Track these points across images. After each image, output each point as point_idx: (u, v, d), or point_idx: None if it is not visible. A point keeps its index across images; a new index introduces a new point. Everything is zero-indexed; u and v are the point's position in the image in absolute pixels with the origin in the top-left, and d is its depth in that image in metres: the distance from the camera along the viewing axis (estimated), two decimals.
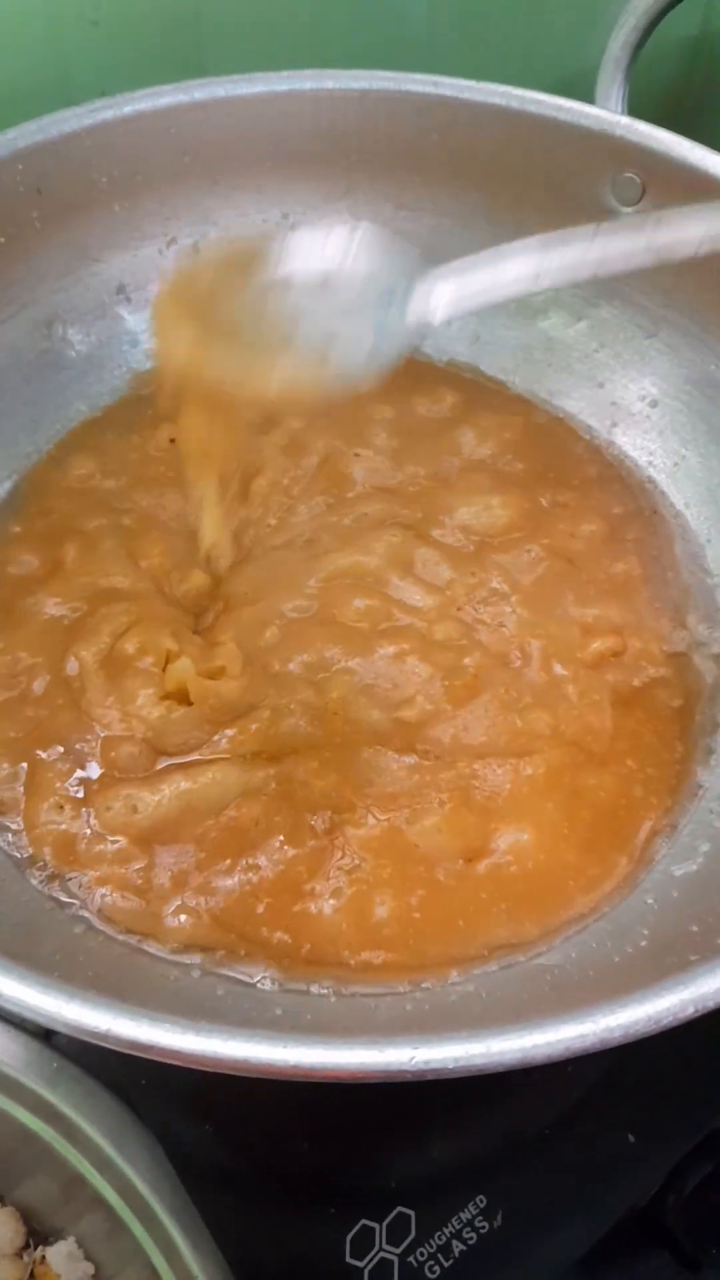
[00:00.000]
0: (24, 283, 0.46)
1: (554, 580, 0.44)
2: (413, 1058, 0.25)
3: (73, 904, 0.36)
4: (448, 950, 0.35)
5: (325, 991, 0.34)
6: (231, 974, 0.35)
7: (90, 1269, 0.36)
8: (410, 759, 0.38)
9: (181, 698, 0.39)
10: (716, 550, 0.46)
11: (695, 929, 0.33)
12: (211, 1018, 0.26)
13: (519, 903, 0.36)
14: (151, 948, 0.35)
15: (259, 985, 0.34)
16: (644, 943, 0.34)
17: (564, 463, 0.49)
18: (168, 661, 0.39)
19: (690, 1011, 0.26)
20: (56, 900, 0.36)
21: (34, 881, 0.36)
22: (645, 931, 0.35)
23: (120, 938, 0.35)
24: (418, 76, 0.47)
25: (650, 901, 0.36)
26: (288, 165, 0.49)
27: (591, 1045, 0.25)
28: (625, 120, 0.45)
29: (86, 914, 0.35)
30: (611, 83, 0.46)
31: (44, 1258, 0.36)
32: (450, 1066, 0.25)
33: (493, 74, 0.47)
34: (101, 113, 0.44)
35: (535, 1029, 0.25)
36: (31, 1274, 0.37)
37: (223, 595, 0.43)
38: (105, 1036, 0.25)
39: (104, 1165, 0.35)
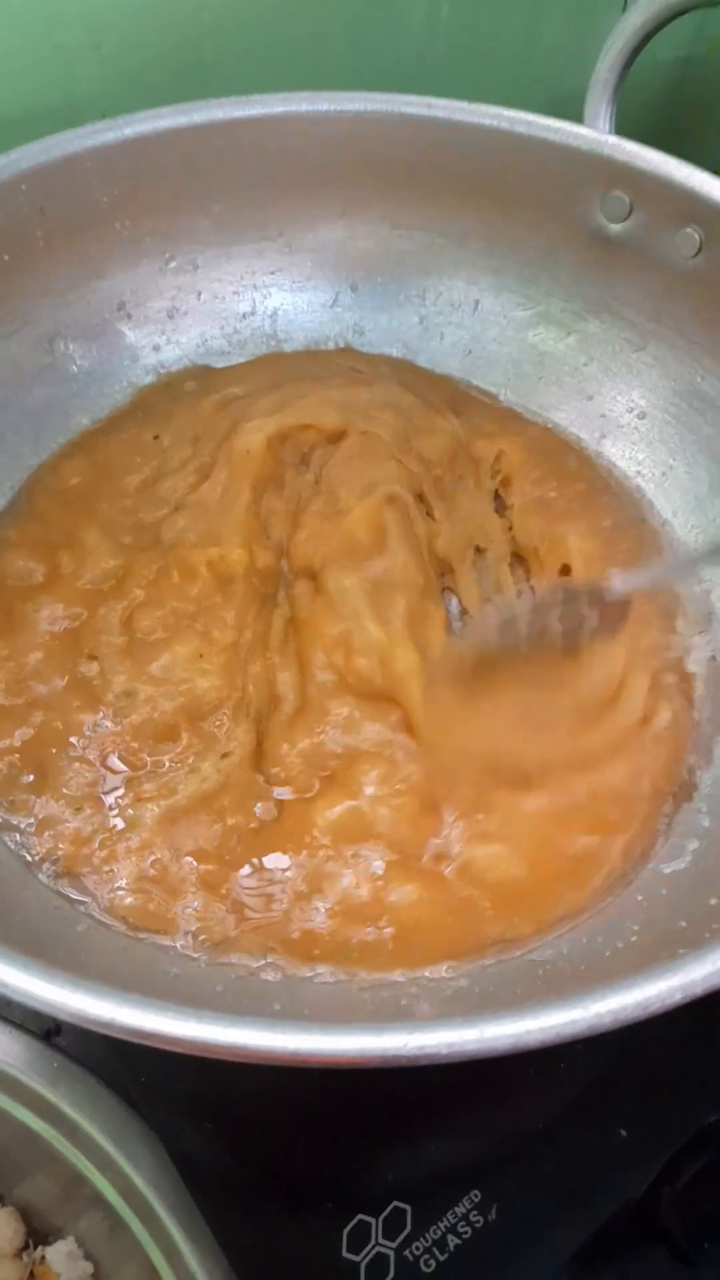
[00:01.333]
0: (28, 300, 0.46)
1: None
2: (407, 1043, 0.25)
3: (84, 902, 0.36)
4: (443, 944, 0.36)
5: (329, 980, 0.35)
6: (235, 963, 0.36)
7: (90, 1268, 0.37)
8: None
9: None
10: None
11: (684, 924, 0.34)
12: (214, 1007, 0.26)
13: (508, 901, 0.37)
14: (163, 940, 0.36)
15: (263, 976, 0.35)
16: (634, 938, 0.35)
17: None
18: None
19: (678, 998, 0.27)
20: (65, 898, 0.36)
21: (42, 879, 0.37)
22: (635, 928, 0.35)
23: (127, 933, 0.36)
24: (411, 98, 0.48)
25: (640, 899, 0.37)
26: (285, 186, 0.50)
27: (582, 1031, 0.26)
28: (613, 140, 0.46)
29: (95, 913, 0.36)
30: (600, 103, 0.48)
31: (44, 1257, 0.37)
32: (444, 1052, 0.25)
33: (489, 95, 0.48)
34: (103, 135, 0.45)
35: (528, 1015, 0.26)
36: (31, 1273, 0.37)
37: None
38: (110, 1025, 0.26)
39: (104, 1164, 0.36)
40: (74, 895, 0.37)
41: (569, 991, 0.27)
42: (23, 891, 0.36)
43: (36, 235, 0.45)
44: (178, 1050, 0.26)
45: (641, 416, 0.50)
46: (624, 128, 0.48)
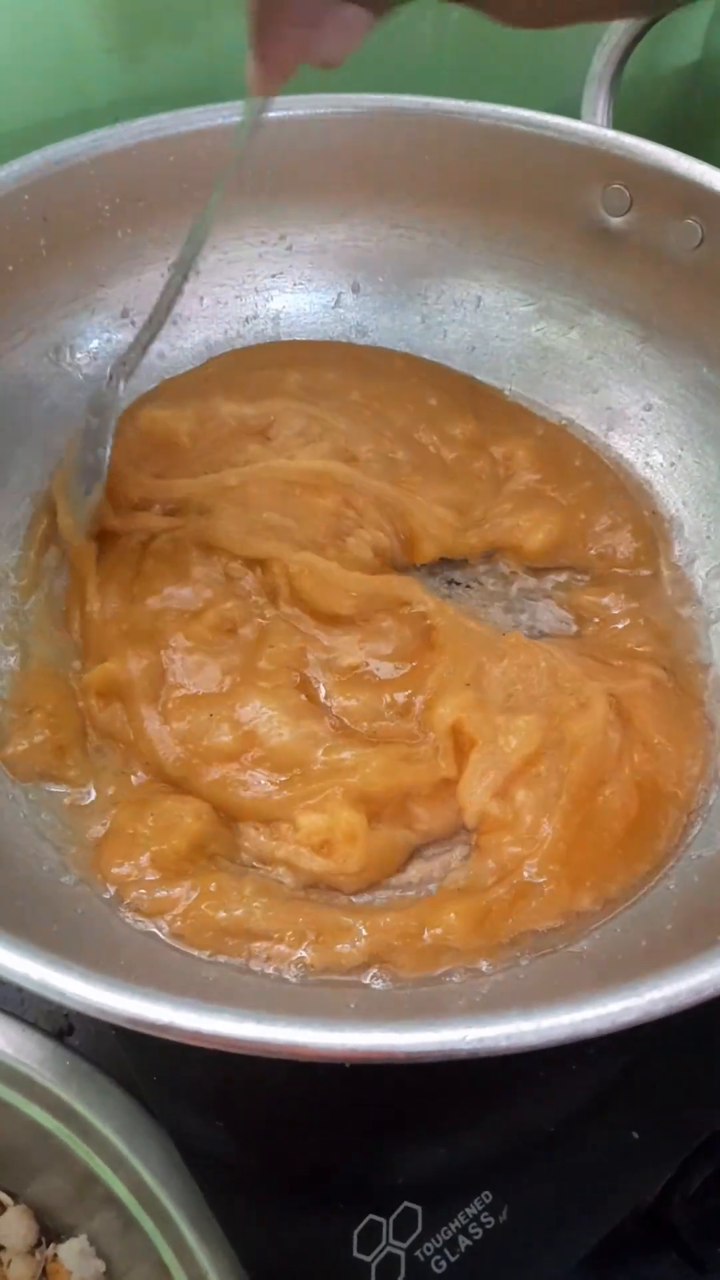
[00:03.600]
0: (32, 309, 0.47)
1: None
2: (466, 1036, 0.25)
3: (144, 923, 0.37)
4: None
5: (381, 985, 0.35)
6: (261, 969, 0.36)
7: (102, 1266, 0.37)
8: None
9: None
10: (717, 545, 0.47)
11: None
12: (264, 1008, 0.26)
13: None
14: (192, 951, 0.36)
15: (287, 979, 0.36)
16: (669, 926, 0.35)
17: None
18: None
19: None
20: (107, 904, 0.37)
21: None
22: (669, 916, 0.36)
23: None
24: (409, 98, 0.48)
25: (672, 887, 0.37)
26: (285, 189, 0.50)
27: (636, 1019, 0.26)
28: (611, 133, 0.46)
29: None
30: (597, 98, 0.47)
31: (56, 1255, 0.37)
32: (504, 1044, 0.25)
33: (496, 96, 0.48)
34: (104, 142, 0.46)
35: (584, 1005, 0.26)
36: (44, 1271, 0.37)
37: None
38: (168, 1029, 0.26)
39: (116, 1162, 0.36)
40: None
41: (614, 982, 0.27)
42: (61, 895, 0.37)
43: (40, 245, 0.46)
44: (237, 1051, 0.26)
45: (648, 408, 0.50)
46: (634, 132, 0.47)
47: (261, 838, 0.38)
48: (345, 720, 0.41)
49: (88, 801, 0.40)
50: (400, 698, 0.41)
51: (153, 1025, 0.25)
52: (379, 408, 0.49)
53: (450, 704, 0.40)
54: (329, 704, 0.41)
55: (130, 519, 0.45)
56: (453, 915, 0.36)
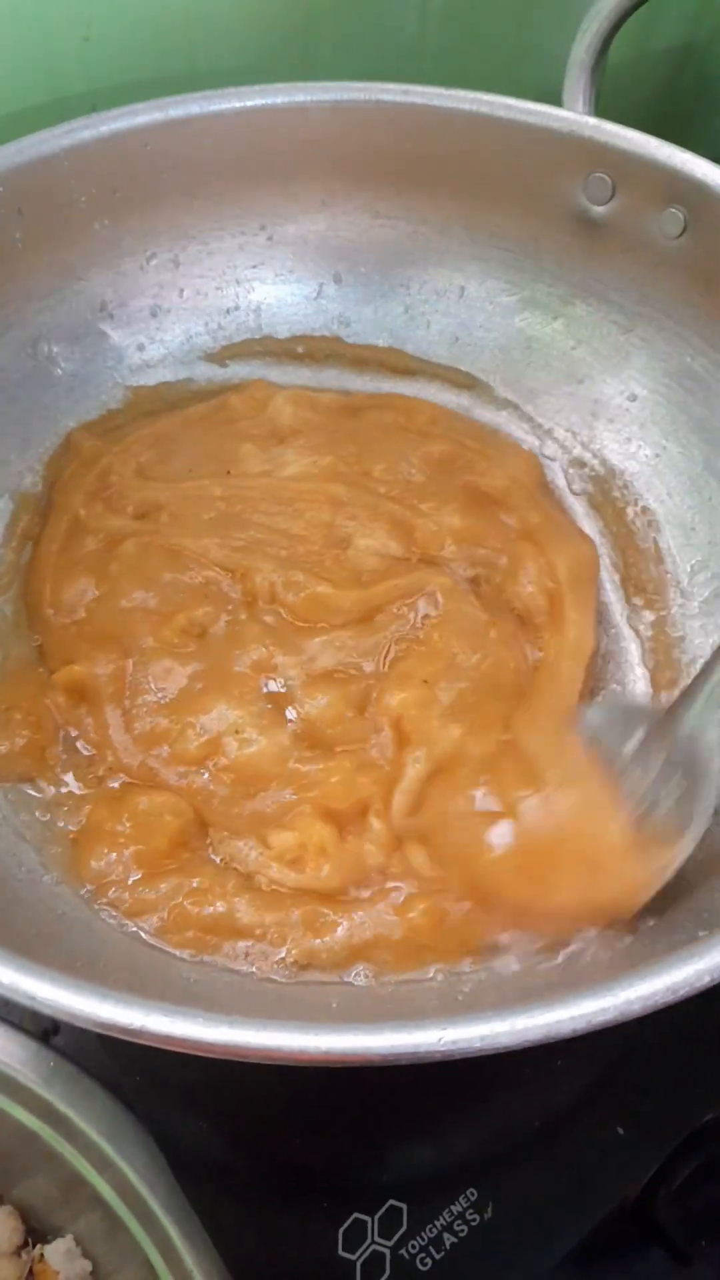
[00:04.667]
0: (9, 303, 0.46)
1: None
2: (441, 1038, 0.25)
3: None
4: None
5: (364, 982, 0.35)
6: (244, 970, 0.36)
7: (88, 1266, 0.37)
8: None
9: None
10: (702, 536, 0.46)
11: (701, 910, 0.34)
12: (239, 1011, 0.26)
13: None
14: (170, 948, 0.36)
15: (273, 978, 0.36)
16: (652, 923, 0.35)
17: None
18: None
19: (706, 981, 0.27)
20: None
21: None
22: (651, 915, 0.35)
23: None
24: (389, 86, 0.48)
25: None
26: (265, 179, 0.49)
27: (613, 1018, 0.26)
28: (593, 121, 0.45)
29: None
30: (578, 85, 0.47)
31: (42, 1255, 0.37)
32: (478, 1045, 0.25)
33: (482, 84, 0.47)
34: (79, 133, 0.45)
35: (558, 1006, 0.26)
36: (30, 1272, 0.37)
37: None
38: (140, 1034, 0.26)
39: (102, 1164, 0.36)
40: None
41: (593, 981, 0.26)
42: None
43: (15, 237, 0.45)
44: (210, 1055, 0.26)
45: (632, 399, 0.49)
46: (620, 118, 0.47)
47: (238, 842, 0.38)
48: (310, 726, 0.40)
49: (65, 802, 0.39)
50: (360, 690, 0.41)
51: (125, 1030, 0.25)
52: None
53: (399, 698, 0.40)
54: (297, 708, 0.41)
55: (100, 518, 0.45)
56: (415, 914, 0.36)
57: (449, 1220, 0.36)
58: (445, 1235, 0.36)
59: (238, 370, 0.52)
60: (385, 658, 0.42)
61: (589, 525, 0.49)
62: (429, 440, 0.49)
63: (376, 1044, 0.25)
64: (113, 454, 0.47)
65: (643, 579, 0.47)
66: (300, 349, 0.53)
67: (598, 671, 0.45)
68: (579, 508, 0.50)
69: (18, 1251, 0.38)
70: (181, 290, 0.51)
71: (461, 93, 0.47)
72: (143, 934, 0.36)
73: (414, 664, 0.41)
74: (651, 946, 0.33)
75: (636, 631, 0.46)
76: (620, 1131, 0.37)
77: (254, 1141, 0.38)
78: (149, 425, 0.49)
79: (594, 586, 0.46)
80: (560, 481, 0.50)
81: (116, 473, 0.47)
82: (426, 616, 0.43)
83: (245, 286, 0.52)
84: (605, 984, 0.26)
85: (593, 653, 0.44)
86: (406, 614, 0.43)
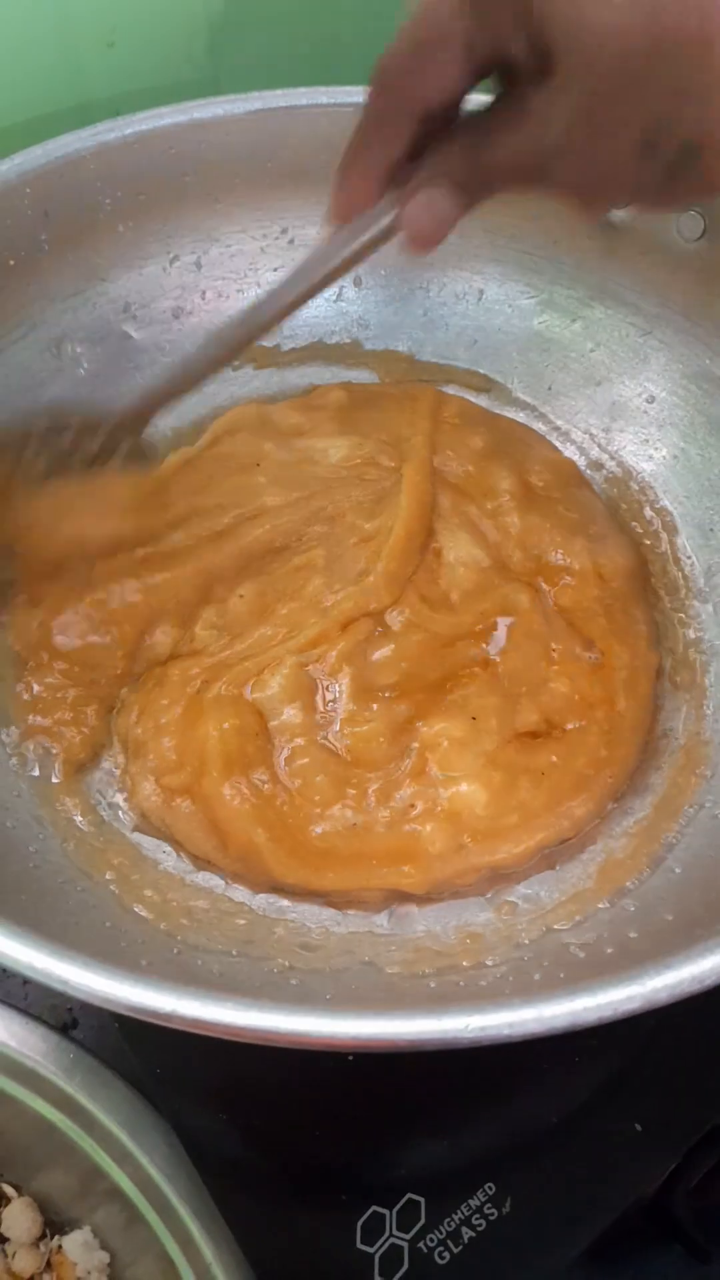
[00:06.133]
0: (34, 304, 0.47)
1: None
2: (468, 1024, 0.25)
3: None
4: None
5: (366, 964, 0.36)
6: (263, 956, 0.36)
7: (106, 1258, 0.37)
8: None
9: None
10: (719, 539, 0.47)
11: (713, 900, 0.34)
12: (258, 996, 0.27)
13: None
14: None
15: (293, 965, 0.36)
16: (670, 917, 0.35)
17: None
18: None
19: None
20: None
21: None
22: (672, 910, 0.36)
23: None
24: None
25: (678, 871, 0.38)
26: (287, 181, 0.50)
27: (639, 1006, 0.26)
28: None
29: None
30: None
31: (60, 1247, 0.37)
32: (506, 1032, 0.26)
33: None
34: (104, 135, 0.46)
35: (584, 994, 0.26)
36: (48, 1263, 0.37)
37: None
38: (170, 1017, 0.26)
39: (121, 1156, 0.36)
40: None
41: (614, 971, 0.27)
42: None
43: (41, 239, 0.46)
44: (239, 1040, 0.26)
45: (650, 400, 0.49)
46: None
47: None
48: (348, 756, 0.40)
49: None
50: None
51: (156, 1014, 0.26)
52: None
53: (438, 726, 0.40)
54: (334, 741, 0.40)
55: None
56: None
57: (467, 1214, 0.36)
58: (463, 1229, 0.36)
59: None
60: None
61: None
62: (466, 433, 0.49)
63: (405, 1030, 0.25)
64: None
65: (660, 580, 0.47)
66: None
67: None
68: None
69: (36, 1243, 0.38)
70: (204, 292, 0.51)
71: (481, 96, 0.47)
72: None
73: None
74: (671, 940, 0.34)
75: None
76: (638, 1128, 0.37)
77: (273, 1135, 0.39)
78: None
79: (646, 583, 0.46)
80: None
81: None
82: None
83: (267, 288, 0.52)
84: (632, 972, 0.26)
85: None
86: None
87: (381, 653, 0.41)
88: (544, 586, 0.45)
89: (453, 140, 0.31)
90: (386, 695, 0.40)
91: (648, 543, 0.48)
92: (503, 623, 0.42)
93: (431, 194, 0.31)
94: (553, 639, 0.43)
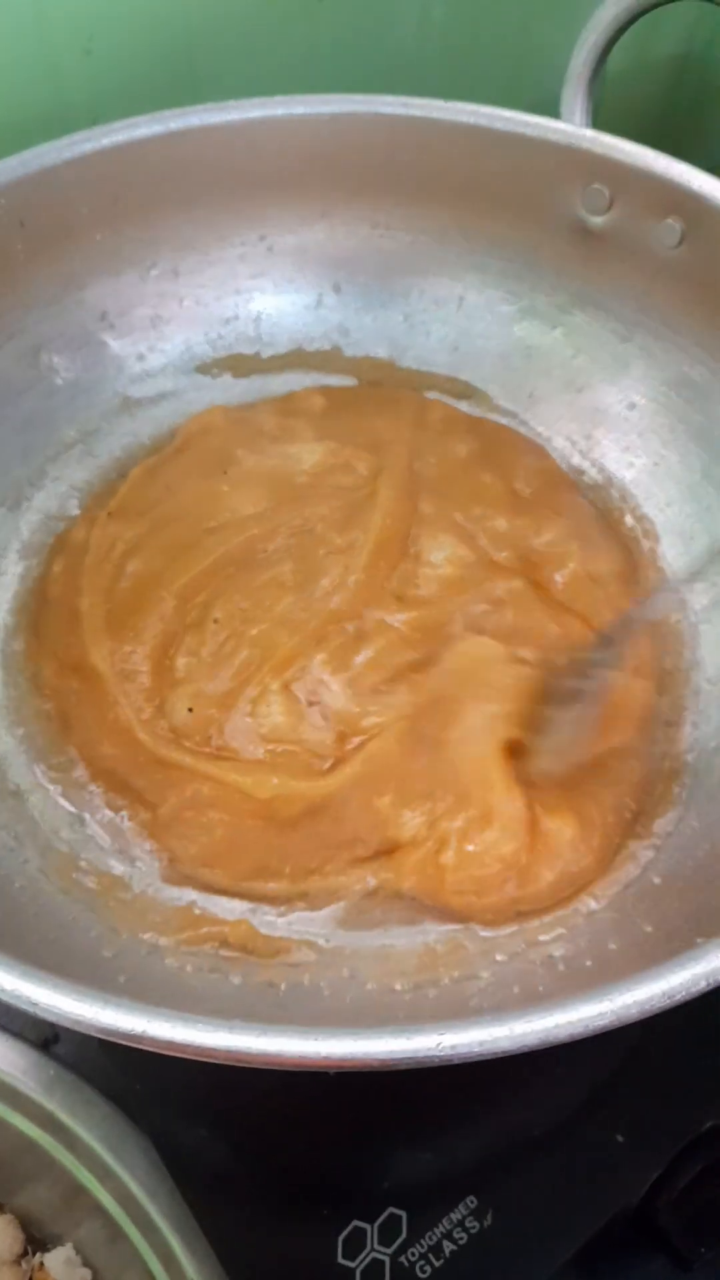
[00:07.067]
0: (10, 313, 0.47)
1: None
2: (440, 1043, 0.25)
3: None
4: None
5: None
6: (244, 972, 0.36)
7: (88, 1275, 0.37)
8: None
9: None
10: (700, 544, 0.47)
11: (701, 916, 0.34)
12: (240, 1016, 0.26)
13: None
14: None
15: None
16: (649, 929, 0.35)
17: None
18: None
19: (703, 985, 0.27)
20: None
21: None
22: (648, 921, 0.36)
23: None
24: (388, 98, 0.48)
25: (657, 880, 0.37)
26: (264, 190, 0.50)
27: (610, 1023, 0.26)
28: (590, 133, 0.45)
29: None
30: (575, 97, 0.47)
31: (43, 1264, 0.37)
32: (476, 1049, 0.25)
33: (481, 96, 0.48)
34: (80, 145, 0.45)
35: (556, 1010, 0.26)
36: None
37: None
38: (141, 1039, 0.26)
39: (102, 1173, 0.36)
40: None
41: (592, 983, 0.26)
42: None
43: (17, 248, 0.46)
44: (210, 1060, 0.26)
45: (631, 407, 0.49)
46: (620, 126, 0.47)
47: None
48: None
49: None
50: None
51: (126, 1035, 0.25)
52: None
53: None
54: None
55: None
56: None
57: (449, 1228, 0.36)
58: (445, 1243, 0.36)
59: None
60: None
61: None
62: (451, 439, 0.49)
63: (376, 1049, 0.25)
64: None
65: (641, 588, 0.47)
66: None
67: None
68: None
69: (18, 1260, 0.38)
70: (182, 300, 0.51)
71: (460, 105, 0.47)
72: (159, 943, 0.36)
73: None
74: (649, 952, 0.34)
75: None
76: (621, 1138, 0.37)
77: (254, 1149, 0.38)
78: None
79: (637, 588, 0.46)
80: None
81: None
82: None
83: (245, 296, 0.52)
84: (603, 988, 0.26)
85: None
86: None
87: (362, 656, 0.41)
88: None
89: None
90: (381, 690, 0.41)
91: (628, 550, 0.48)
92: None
93: None
94: (552, 619, 0.43)
